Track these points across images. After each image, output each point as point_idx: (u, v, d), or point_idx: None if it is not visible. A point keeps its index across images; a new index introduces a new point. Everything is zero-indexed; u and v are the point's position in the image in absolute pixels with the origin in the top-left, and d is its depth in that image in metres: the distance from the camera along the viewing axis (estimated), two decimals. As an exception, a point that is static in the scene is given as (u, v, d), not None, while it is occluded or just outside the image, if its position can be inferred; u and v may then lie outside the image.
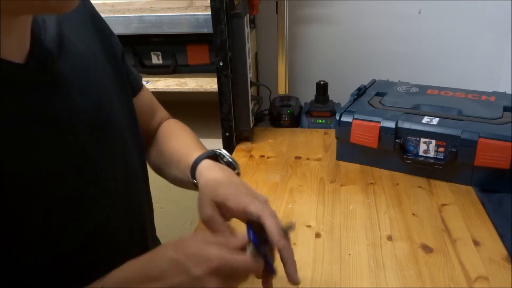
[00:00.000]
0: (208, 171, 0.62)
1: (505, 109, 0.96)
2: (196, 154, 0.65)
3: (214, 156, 0.66)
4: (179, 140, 0.73)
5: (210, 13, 0.98)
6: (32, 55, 0.46)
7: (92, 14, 0.61)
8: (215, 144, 1.14)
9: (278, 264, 0.51)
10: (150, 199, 0.71)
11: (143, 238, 0.66)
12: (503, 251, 0.72)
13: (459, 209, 0.83)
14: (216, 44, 1.00)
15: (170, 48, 1.21)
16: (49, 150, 0.46)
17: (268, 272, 0.50)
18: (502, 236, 0.75)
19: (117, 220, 0.57)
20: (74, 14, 0.54)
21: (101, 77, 0.57)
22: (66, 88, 0.50)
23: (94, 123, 0.53)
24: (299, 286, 0.66)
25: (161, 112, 0.78)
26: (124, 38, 0.71)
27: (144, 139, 0.71)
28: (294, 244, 0.75)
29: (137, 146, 0.64)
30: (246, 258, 0.47)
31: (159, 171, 0.74)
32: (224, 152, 0.67)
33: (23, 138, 0.44)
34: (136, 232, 0.63)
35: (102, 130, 0.54)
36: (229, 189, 0.57)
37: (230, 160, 0.66)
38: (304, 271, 0.69)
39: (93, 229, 0.52)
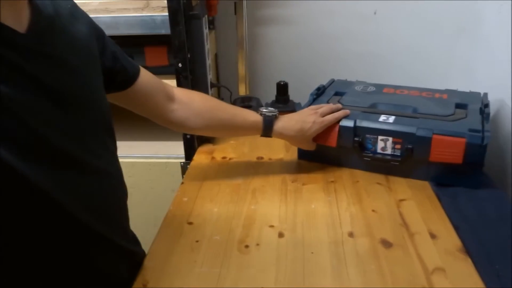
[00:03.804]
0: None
1: (457, 106, 1.00)
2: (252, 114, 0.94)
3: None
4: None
5: (167, 14, 0.97)
6: (32, 27, 0.51)
7: (90, 19, 0.68)
8: (176, 147, 1.13)
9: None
10: (124, 183, 0.74)
11: (121, 215, 0.71)
12: (458, 242, 0.74)
13: (416, 204, 0.85)
14: (174, 45, 0.99)
15: (127, 50, 1.17)
16: (43, 116, 0.51)
17: None
18: (456, 228, 0.77)
19: (101, 191, 0.63)
20: (72, 10, 0.62)
21: (88, 66, 0.62)
22: (60, 62, 0.55)
23: (81, 99, 0.58)
24: (262, 286, 0.66)
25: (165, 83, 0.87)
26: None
27: (166, 105, 0.85)
28: (258, 245, 0.75)
29: (112, 135, 0.69)
30: None
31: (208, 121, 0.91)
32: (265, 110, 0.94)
33: (20, 101, 0.47)
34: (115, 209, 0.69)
35: (87, 109, 0.60)
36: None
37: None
38: (267, 271, 0.69)
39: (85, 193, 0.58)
